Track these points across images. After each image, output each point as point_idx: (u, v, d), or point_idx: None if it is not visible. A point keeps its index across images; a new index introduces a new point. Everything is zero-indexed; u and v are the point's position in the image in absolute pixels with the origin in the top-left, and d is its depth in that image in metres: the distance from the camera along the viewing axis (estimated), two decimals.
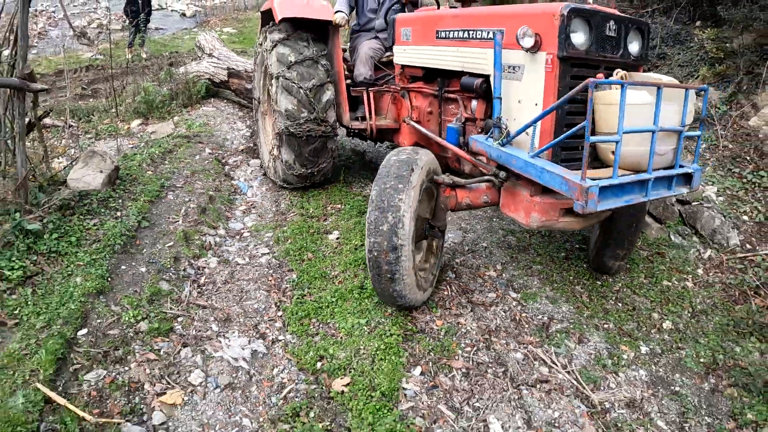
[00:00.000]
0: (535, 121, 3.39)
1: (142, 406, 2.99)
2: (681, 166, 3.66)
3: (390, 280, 3.59)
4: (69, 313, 3.39)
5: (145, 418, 2.93)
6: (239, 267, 4.51)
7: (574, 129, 3.14)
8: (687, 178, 3.70)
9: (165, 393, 3.07)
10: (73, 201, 4.61)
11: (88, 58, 14.76)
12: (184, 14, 22.25)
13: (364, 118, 5.80)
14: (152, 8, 16.21)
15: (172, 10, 22.79)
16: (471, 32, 4.20)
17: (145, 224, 4.68)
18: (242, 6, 22.46)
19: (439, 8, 5.39)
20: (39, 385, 2.87)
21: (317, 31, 5.81)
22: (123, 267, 4.07)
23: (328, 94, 5.53)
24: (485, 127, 4.08)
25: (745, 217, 5.03)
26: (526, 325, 3.91)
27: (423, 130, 4.96)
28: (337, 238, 4.99)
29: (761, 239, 4.85)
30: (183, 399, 3.07)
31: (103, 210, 4.66)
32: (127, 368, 3.18)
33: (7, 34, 4.55)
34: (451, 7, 4.95)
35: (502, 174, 3.80)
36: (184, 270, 4.27)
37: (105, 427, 2.79)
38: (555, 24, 3.50)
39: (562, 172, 3.27)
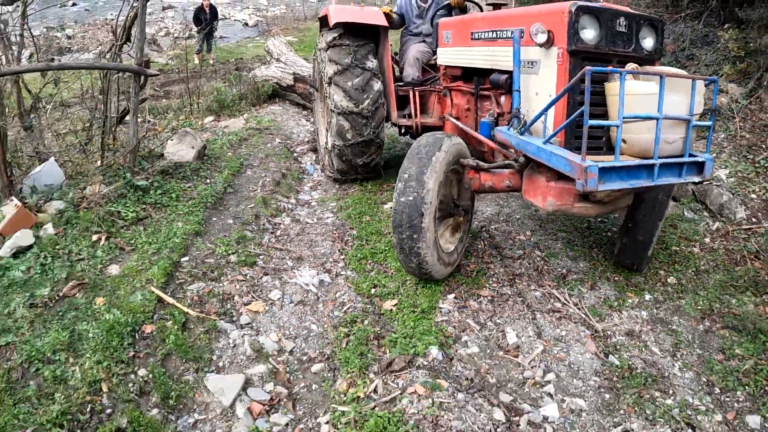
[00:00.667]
0: (544, 110, 3.75)
1: (232, 310, 3.87)
2: (692, 155, 3.90)
3: (411, 252, 3.95)
4: (174, 245, 4.31)
5: (234, 318, 3.81)
6: (308, 225, 5.39)
7: (574, 114, 3.44)
8: (699, 167, 3.93)
9: (250, 303, 3.95)
10: (170, 169, 5.58)
11: (159, 63, 16.09)
12: (246, 24, 23.63)
13: (411, 116, 6.30)
14: (218, 18, 17.51)
15: (234, 20, 24.21)
16: (497, 32, 4.58)
17: (230, 190, 5.62)
18: (302, 16, 23.71)
19: (482, 12, 5.80)
20: (153, 288, 3.77)
21: (368, 35, 6.24)
22: (214, 219, 4.99)
23: (376, 90, 5.93)
24: (510, 119, 4.39)
25: (753, 195, 5.62)
26: (547, 274, 4.63)
27: (461, 125, 5.34)
28: (391, 207, 5.83)
29: (767, 214, 5.44)
30: (264, 308, 3.93)
31: (195, 177, 5.62)
32: (221, 284, 4.07)
33: (121, 32, 5.59)
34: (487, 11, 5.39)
35: (521, 159, 4.14)
36: (263, 224, 5.17)
37: (204, 321, 3.67)
38: (564, 21, 3.82)
39: (567, 155, 3.60)
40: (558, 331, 3.86)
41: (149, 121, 9.73)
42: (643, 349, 3.82)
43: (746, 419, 3.30)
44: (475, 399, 3.04)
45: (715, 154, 6.32)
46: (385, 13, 6.31)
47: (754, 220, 5.38)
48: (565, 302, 4.22)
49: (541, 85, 4.08)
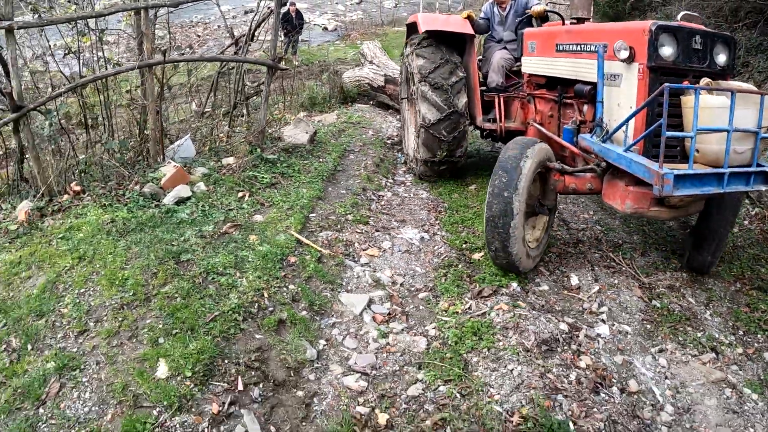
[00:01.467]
0: (626, 121, 4.11)
1: (354, 253, 5.02)
2: (760, 165, 4.12)
3: (503, 250, 4.43)
4: (303, 204, 5.49)
5: (356, 259, 4.96)
6: (407, 198, 6.52)
7: (653, 126, 3.81)
8: (766, 176, 4.16)
9: (367, 249, 5.10)
10: (290, 148, 6.81)
11: (214, 76, 17.54)
12: (326, 28, 25.12)
13: (495, 120, 6.58)
14: (304, 22, 18.95)
15: (314, 25, 25.73)
16: (582, 46, 4.87)
17: (339, 169, 6.81)
18: (379, 21, 25.03)
19: (563, 23, 5.85)
20: (292, 232, 4.94)
21: (455, 43, 6.71)
22: (330, 189, 6.18)
23: (460, 90, 6.40)
24: (593, 127, 4.67)
25: None
26: (605, 243, 5.59)
27: (544, 131, 5.60)
28: (475, 188, 6.88)
29: None
30: (378, 253, 5.08)
31: (310, 156, 6.84)
32: (343, 234, 5.23)
33: (249, 33, 6.87)
34: (570, 23, 5.57)
35: (603, 164, 4.51)
36: (369, 196, 6.33)
37: (334, 257, 4.82)
38: (645, 38, 4.14)
39: (645, 162, 3.93)
40: (611, 280, 4.84)
41: (243, 115, 11.11)
42: (681, 298, 4.74)
43: (764, 355, 4.18)
44: (546, 315, 4.08)
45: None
46: (468, 17, 6.82)
47: None
48: (619, 262, 5.19)
49: (623, 97, 4.43)
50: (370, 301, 4.38)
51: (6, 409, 2.93)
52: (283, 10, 17.42)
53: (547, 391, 3.27)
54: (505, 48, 6.92)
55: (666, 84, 3.69)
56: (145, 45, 5.37)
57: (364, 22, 25.44)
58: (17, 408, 2.94)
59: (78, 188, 5.23)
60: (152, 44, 5.37)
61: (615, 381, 3.62)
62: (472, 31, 6.71)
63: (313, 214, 5.44)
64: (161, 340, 3.29)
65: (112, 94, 5.79)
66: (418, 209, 6.20)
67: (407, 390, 3.43)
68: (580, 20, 5.46)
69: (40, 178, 5.16)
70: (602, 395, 3.42)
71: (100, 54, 5.74)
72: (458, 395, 3.32)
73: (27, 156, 5.25)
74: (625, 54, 4.30)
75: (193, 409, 2.92)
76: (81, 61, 5.77)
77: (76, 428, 2.79)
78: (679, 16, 4.85)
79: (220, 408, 2.97)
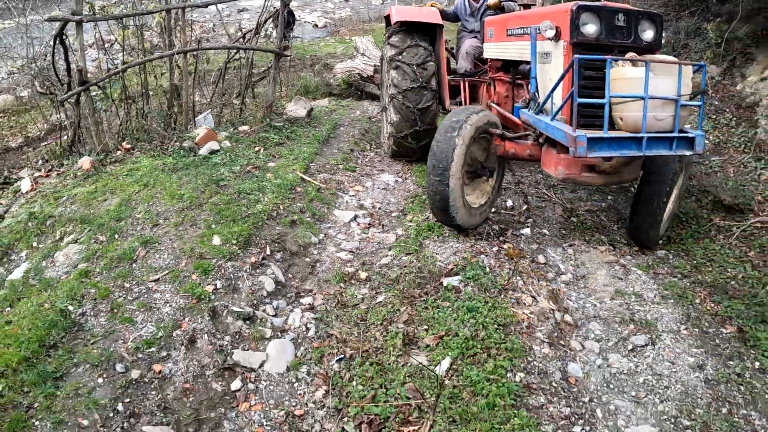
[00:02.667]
0: (550, 94, 4.75)
1: (343, 188, 6.83)
2: (684, 132, 4.53)
3: (443, 210, 5.19)
4: (305, 156, 7.29)
5: (345, 192, 6.76)
6: (385, 158, 8.31)
7: (569, 94, 4.38)
8: (691, 142, 4.56)
9: (354, 186, 6.91)
10: (291, 120, 8.64)
11: (222, 64, 19.44)
12: (316, 25, 26.94)
13: (461, 104, 7.31)
14: (295, 19, 20.76)
15: (305, 22, 27.57)
16: (523, 29, 5.43)
17: (332, 136, 8.63)
18: (366, 18, 26.86)
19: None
20: (298, 173, 6.74)
21: (426, 32, 7.34)
22: (325, 149, 8.00)
23: (427, 67, 7.05)
24: (529, 101, 5.23)
25: (706, 141, 8.22)
26: (542, 184, 7.38)
27: (500, 110, 6.34)
28: None
29: (711, 151, 8.04)
30: (362, 189, 6.89)
31: (308, 126, 8.66)
32: (335, 176, 7.05)
33: (258, 27, 8.70)
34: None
35: (538, 133, 5.09)
36: (356, 155, 8.15)
37: (328, 189, 6.61)
38: (567, 18, 4.64)
39: (563, 127, 4.49)
40: (541, 204, 6.65)
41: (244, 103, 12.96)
42: (596, 218, 6.54)
43: (657, 252, 5.91)
44: (486, 222, 5.89)
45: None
46: (434, 6, 7.54)
47: (710, 159, 8.01)
48: (550, 196, 6.99)
49: (553, 73, 4.95)
50: (356, 216, 6.18)
51: (108, 266, 4.63)
52: (276, 4, 19.18)
53: (474, 253, 5.07)
54: (475, 37, 7.62)
55: (575, 56, 4.30)
56: (181, 36, 7.17)
57: (353, 18, 27.28)
58: (115, 266, 4.66)
59: (128, 146, 7.03)
60: (186, 36, 7.18)
61: (528, 257, 5.41)
62: (440, 21, 7.40)
63: (313, 164, 7.25)
64: (213, 226, 5.08)
65: (150, 77, 7.60)
66: (395, 164, 8.00)
67: (380, 260, 5.23)
68: (527, 6, 6.24)
69: (96, 139, 6.95)
70: (515, 261, 5.22)
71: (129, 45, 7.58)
72: (414, 260, 5.13)
73: (82, 124, 7.03)
74: (551, 33, 4.84)
75: (238, 260, 4.72)
76: (125, 49, 7.58)
77: (161, 272, 4.54)
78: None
79: (256, 260, 4.77)
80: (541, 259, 5.41)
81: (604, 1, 5.26)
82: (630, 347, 4.21)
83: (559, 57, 4.93)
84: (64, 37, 6.82)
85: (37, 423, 3.00)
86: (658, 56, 4.82)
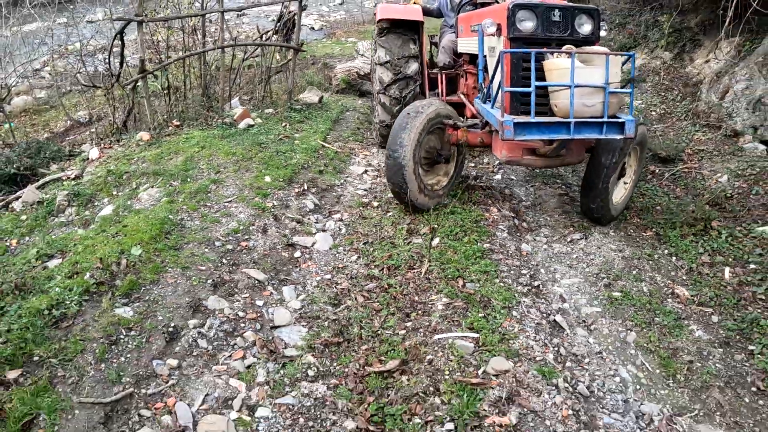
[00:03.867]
0: (490, 83, 5.48)
1: (354, 153, 8.86)
2: (616, 117, 5.01)
3: (402, 193, 6.03)
4: (322, 131, 9.33)
5: (356, 155, 8.80)
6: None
7: (497, 85, 5.16)
8: (621, 126, 4.99)
9: (363, 151, 8.95)
10: (306, 105, 10.68)
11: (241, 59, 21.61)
12: (312, 28, 29.07)
13: (439, 95, 8.21)
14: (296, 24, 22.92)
15: (302, 25, 29.75)
16: (478, 26, 5.83)
17: (341, 118, 10.68)
18: (360, 20, 29.00)
19: None
20: (318, 141, 8.79)
21: (409, 28, 8.22)
22: (336, 126, 10.06)
23: (409, 59, 8.09)
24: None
25: (653, 112, 10.29)
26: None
27: (465, 100, 7.28)
28: None
29: (657, 120, 10.08)
30: (370, 154, 8.93)
31: (320, 110, 10.71)
32: (348, 145, 9.10)
33: (276, 28, 10.75)
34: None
35: (484, 120, 5.86)
36: (362, 131, 10.19)
37: (343, 153, 8.64)
38: (505, 15, 5.28)
39: (495, 113, 5.15)
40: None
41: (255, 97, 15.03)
42: (555, 170, 8.56)
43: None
44: (457, 185, 7.94)
45: (637, 92, 10.99)
46: (417, 3, 8.44)
47: (655, 126, 10.05)
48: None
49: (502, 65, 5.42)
50: (366, 170, 8.23)
51: (188, 196, 6.55)
52: (276, 8, 21.40)
53: (452, 188, 7.09)
54: (455, 32, 7.99)
55: (501, 50, 5.04)
56: (220, 35, 9.22)
57: (347, 21, 29.43)
58: (194, 196, 6.59)
59: (177, 123, 9.05)
60: (224, 35, 9.23)
61: (497, 192, 7.43)
62: (421, 18, 8.24)
63: (329, 136, 9.30)
64: (263, 171, 7.12)
65: (192, 69, 9.65)
66: None
67: (387, 195, 7.23)
68: (487, 4, 7.03)
69: (150, 118, 8.96)
70: (486, 190, 7.24)
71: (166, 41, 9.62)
72: None
73: (135, 106, 9.05)
74: (492, 29, 5.48)
75: (285, 190, 6.76)
76: (168, 45, 9.62)
77: (231, 197, 6.51)
78: None
79: (298, 191, 6.84)
80: (507, 192, 7.46)
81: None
82: (569, 240, 6.24)
83: (498, 51, 5.54)
84: (123, 34, 8.86)
85: (170, 269, 4.95)
86: (587, 47, 5.37)
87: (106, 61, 9.75)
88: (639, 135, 6.26)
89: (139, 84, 8.83)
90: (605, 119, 4.95)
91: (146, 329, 3.98)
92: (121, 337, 3.86)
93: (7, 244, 5.83)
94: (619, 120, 5.01)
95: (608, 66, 4.82)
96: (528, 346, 3.99)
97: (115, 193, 7.03)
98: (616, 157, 5.97)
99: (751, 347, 4.49)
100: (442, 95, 8.20)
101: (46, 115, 14.73)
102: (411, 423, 3.21)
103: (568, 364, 4.02)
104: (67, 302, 4.06)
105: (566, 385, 3.70)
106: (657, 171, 8.26)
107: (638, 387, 3.98)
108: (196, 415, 3.39)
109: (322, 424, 3.38)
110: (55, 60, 17.03)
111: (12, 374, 3.40)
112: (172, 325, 4.07)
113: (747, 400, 3.97)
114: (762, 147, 8.20)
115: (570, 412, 3.45)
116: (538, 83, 4.90)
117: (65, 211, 6.72)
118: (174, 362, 3.77)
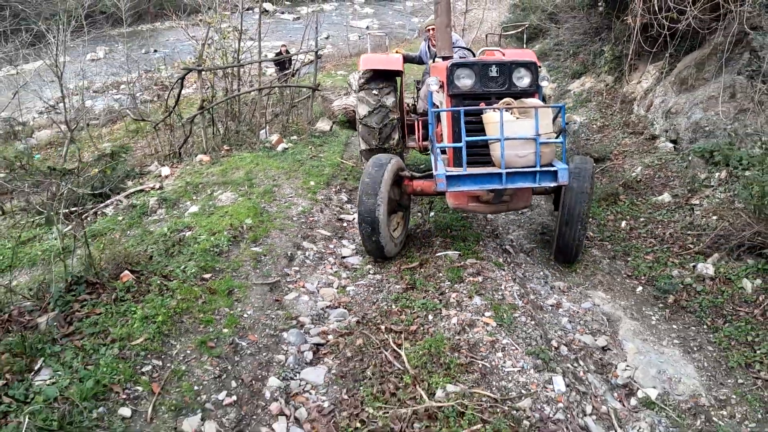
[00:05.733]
0: (432, 136, 6.48)
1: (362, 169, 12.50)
2: (550, 165, 5.74)
3: (373, 241, 6.85)
4: (338, 152, 13.01)
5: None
6: None
7: (430, 139, 6.45)
8: (555, 174, 5.69)
9: None
10: (320, 132, 14.32)
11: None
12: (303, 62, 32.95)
13: (417, 140, 9.82)
14: (292, 64, 26.69)
15: (294, 60, 33.61)
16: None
17: (349, 142, 14.36)
18: (347, 53, 32.90)
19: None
20: (337, 158, 12.47)
21: (389, 76, 9.43)
22: (347, 149, 13.73)
23: (387, 94, 9.32)
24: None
25: (594, 125, 13.98)
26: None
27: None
28: None
29: (596, 131, 13.73)
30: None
31: (332, 137, 14.40)
32: (356, 163, 12.71)
33: (293, 70, 14.43)
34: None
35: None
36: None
37: (357, 167, 12.23)
38: (445, 74, 6.18)
39: (435, 167, 6.07)
40: None
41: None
42: None
43: None
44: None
45: (583, 110, 14.67)
46: (398, 53, 9.84)
47: (593, 135, 13.72)
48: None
49: (444, 119, 6.65)
50: None
51: (259, 195, 9.98)
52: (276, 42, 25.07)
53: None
54: None
55: (432, 108, 6.33)
56: (258, 80, 12.86)
57: (335, 54, 33.33)
58: (263, 196, 10.07)
59: (227, 148, 12.62)
60: (261, 77, 12.86)
61: None
62: (401, 68, 9.40)
63: (344, 155, 12.92)
64: (307, 179, 10.73)
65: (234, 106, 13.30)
66: None
67: None
68: (446, 58, 7.44)
69: (206, 144, 12.50)
70: None
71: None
72: None
73: (191, 134, 12.63)
74: (436, 87, 6.23)
75: (326, 190, 10.41)
76: (213, 86, 13.23)
77: (291, 195, 10.03)
78: (478, 52, 8.53)
79: (335, 189, 10.49)
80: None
81: (483, 55, 7.56)
82: (519, 212, 9.81)
83: (444, 106, 6.47)
84: (183, 79, 12.46)
85: (272, 231, 8.34)
86: (534, 101, 6.02)
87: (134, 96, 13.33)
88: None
89: (197, 118, 12.41)
90: (538, 168, 5.65)
91: (274, 255, 7.50)
92: (261, 259, 7.35)
93: (115, 236, 8.99)
94: (552, 168, 5.68)
95: (537, 118, 5.50)
96: (488, 256, 7.50)
97: (194, 197, 10.33)
98: (569, 207, 6.89)
99: (628, 258, 8.04)
100: (419, 140, 9.64)
101: (72, 147, 18.08)
102: (429, 284, 6.71)
103: (512, 265, 7.56)
104: (220, 245, 7.49)
105: (510, 272, 7.22)
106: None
107: (553, 276, 7.54)
108: (316, 289, 6.92)
109: (384, 287, 6.88)
110: (67, 97, 20.45)
111: (207, 275, 6.81)
112: (288, 253, 7.64)
113: (618, 280, 7.51)
114: (670, 145, 11.86)
115: (513, 283, 6.94)
116: (469, 138, 5.70)
117: (156, 212, 10.09)
118: (296, 269, 7.36)
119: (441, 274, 6.79)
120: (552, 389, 4.79)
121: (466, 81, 6.13)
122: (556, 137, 5.99)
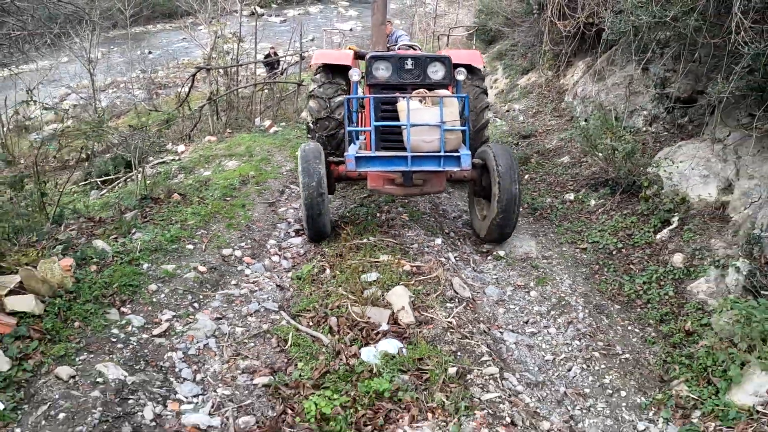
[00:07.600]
0: (350, 124, 7.35)
1: None
2: (454, 151, 6.53)
3: (318, 219, 7.45)
4: None
5: None
6: None
7: (347, 126, 7.36)
8: (458, 159, 6.46)
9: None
10: (304, 119, 18.37)
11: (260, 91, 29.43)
12: (288, 63, 37.07)
13: None
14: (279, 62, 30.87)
15: (280, 60, 37.75)
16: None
17: None
18: None
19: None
20: None
21: (341, 71, 9.72)
22: None
23: (337, 101, 9.66)
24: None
25: (530, 112, 18.06)
26: None
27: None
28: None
29: (531, 117, 17.79)
30: None
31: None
32: None
33: (282, 70, 18.56)
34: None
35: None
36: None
37: None
38: (366, 65, 7.21)
39: (351, 149, 6.84)
40: None
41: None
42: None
43: None
44: None
45: (524, 100, 18.72)
46: (351, 49, 10.42)
47: (528, 120, 17.79)
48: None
49: (366, 108, 7.48)
50: None
51: (257, 161, 14.08)
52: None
53: None
54: None
55: (345, 96, 7.47)
56: (254, 76, 16.96)
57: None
58: (260, 162, 14.13)
59: (230, 131, 16.72)
60: (255, 75, 16.94)
61: None
62: (350, 63, 9.48)
63: None
64: (294, 150, 14.82)
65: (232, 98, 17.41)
66: None
67: None
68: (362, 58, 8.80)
69: (212, 128, 16.58)
70: None
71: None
72: None
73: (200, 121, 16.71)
74: (357, 77, 7.22)
75: None
76: (218, 81, 17.31)
77: (280, 162, 14.08)
78: (397, 47, 9.31)
79: None
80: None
81: (400, 49, 8.32)
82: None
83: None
84: (195, 77, 16.53)
85: (268, 179, 12.43)
86: (443, 92, 6.73)
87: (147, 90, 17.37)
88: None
89: (205, 106, 16.46)
90: (442, 153, 6.32)
91: (271, 190, 11.64)
92: (262, 192, 11.45)
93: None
94: (456, 154, 6.37)
95: (442, 108, 6.18)
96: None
97: (206, 165, 14.35)
98: (508, 190, 7.69)
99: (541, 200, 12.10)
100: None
101: (82, 139, 22.02)
102: (372, 206, 10.76)
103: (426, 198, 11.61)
104: (234, 184, 11.55)
105: (425, 201, 11.25)
106: (519, 143, 15.95)
107: (463, 204, 11.58)
108: (299, 206, 10.99)
109: (343, 204, 10.96)
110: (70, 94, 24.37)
111: (227, 198, 10.83)
112: (281, 189, 11.78)
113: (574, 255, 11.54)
114: (584, 123, 15.88)
115: (427, 203, 10.95)
116: (377, 123, 6.60)
117: (177, 176, 14.11)
118: (285, 198, 11.53)
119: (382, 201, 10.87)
120: (433, 242, 8.79)
121: (383, 72, 7.15)
122: (461, 126, 6.88)
